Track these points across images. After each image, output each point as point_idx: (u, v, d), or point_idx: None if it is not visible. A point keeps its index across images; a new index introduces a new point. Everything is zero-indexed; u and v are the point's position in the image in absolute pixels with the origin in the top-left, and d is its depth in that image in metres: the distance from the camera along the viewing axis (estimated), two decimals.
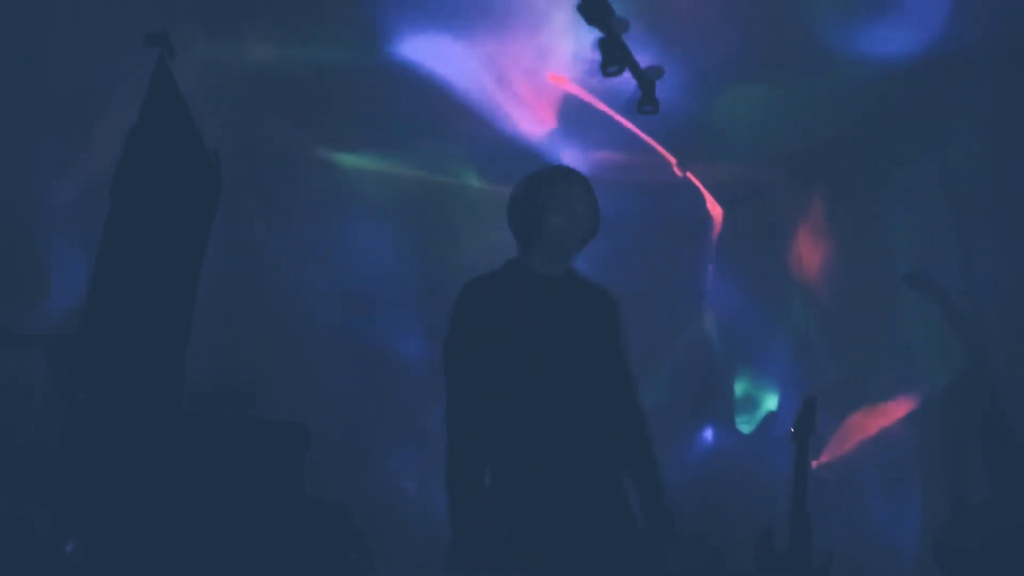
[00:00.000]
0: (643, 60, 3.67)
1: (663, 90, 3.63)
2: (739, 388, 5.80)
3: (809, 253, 5.42)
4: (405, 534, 5.21)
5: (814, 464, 4.41)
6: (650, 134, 5.30)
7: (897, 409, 4.75)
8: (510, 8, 4.34)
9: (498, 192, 5.95)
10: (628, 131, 5.21)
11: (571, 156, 5.10)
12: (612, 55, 3.65)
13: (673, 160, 5.49)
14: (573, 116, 5.16)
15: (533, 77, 4.94)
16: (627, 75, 3.74)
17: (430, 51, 4.73)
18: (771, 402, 5.64)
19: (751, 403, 5.72)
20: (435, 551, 5.16)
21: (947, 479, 4.49)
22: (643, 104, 3.90)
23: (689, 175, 5.68)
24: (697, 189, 5.80)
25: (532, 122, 5.24)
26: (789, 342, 5.51)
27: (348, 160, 6.04)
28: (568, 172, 3.02)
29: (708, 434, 5.78)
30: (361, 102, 5.17)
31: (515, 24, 4.45)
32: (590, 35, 3.58)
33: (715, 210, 5.93)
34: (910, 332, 4.73)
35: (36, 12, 3.03)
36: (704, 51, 4.38)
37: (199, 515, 3.34)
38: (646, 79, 3.87)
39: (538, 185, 2.93)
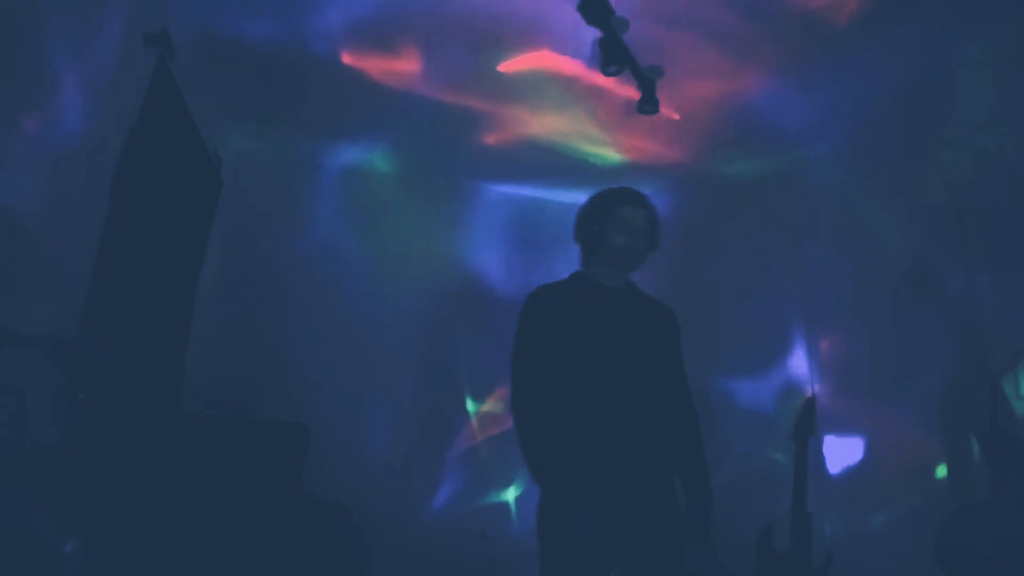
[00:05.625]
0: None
1: None
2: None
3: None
4: (405, 534, 5.20)
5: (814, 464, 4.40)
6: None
7: (896, 408, 4.74)
8: None
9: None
10: None
11: None
12: (612, 55, 3.65)
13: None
14: None
15: None
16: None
17: None
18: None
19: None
20: (435, 551, 5.21)
21: (947, 479, 4.49)
22: (643, 104, 3.90)
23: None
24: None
25: None
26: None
27: (345, 162, 6.04)
28: (629, 194, 3.19)
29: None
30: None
31: None
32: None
33: None
34: (910, 331, 4.72)
35: (36, 11, 3.03)
36: None
37: (199, 514, 3.35)
38: (646, 79, 3.87)
39: (601, 205, 3.15)
